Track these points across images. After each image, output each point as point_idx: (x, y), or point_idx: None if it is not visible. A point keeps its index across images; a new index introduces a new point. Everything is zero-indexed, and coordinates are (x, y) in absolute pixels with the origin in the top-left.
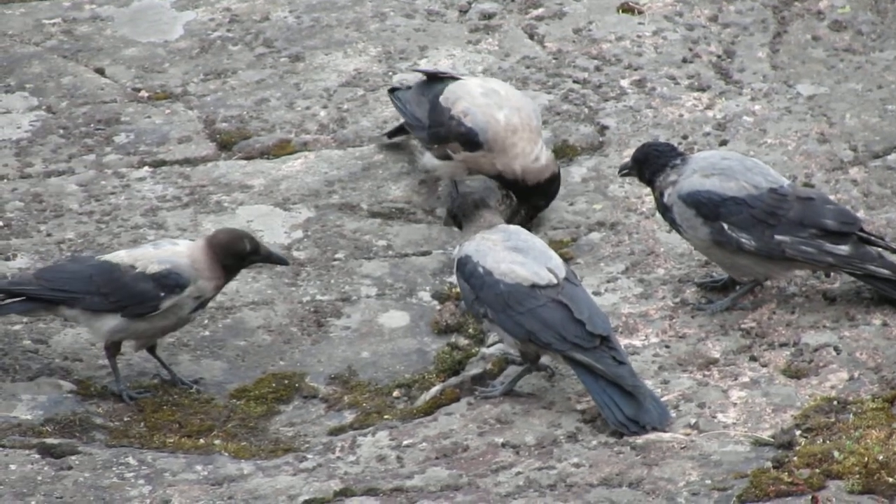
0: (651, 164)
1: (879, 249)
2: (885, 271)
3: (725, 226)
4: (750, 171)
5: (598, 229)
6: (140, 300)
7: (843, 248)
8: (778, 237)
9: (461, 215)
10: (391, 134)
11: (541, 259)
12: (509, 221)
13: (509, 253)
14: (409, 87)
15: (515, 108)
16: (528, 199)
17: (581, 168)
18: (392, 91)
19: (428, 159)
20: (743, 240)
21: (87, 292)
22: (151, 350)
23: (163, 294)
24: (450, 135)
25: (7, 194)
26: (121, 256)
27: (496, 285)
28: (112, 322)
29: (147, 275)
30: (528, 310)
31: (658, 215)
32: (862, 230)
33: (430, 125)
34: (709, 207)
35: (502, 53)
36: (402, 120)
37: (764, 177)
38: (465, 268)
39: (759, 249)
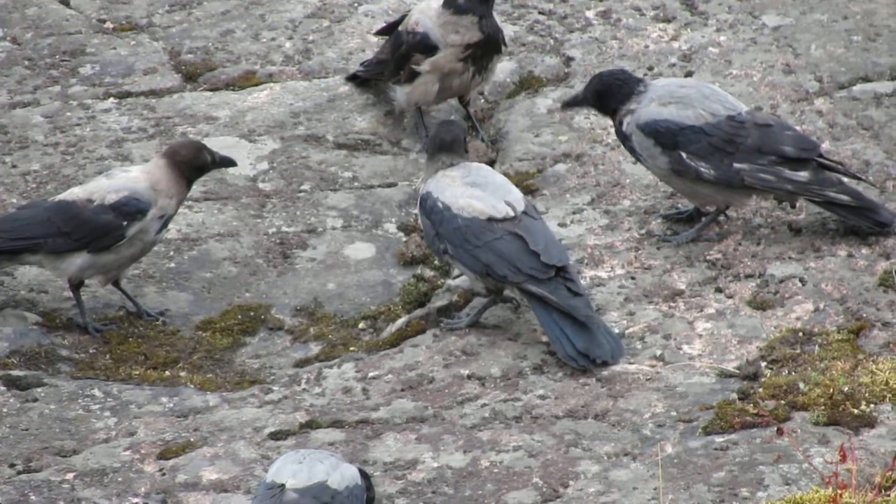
0: (615, 93)
1: (839, 176)
2: (845, 198)
3: (684, 155)
4: (707, 98)
5: (563, 161)
6: (104, 232)
7: (803, 175)
8: (736, 165)
9: (435, 146)
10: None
11: (499, 193)
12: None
13: (467, 188)
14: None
15: None
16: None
17: (546, 99)
18: (354, 77)
19: (399, 93)
20: (702, 168)
21: (49, 235)
22: (116, 283)
23: (125, 223)
24: (409, 50)
25: None
26: (75, 193)
27: (454, 220)
28: (79, 260)
29: (106, 206)
30: (485, 243)
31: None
32: (821, 156)
33: (393, 52)
34: (667, 137)
35: None
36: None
37: (722, 104)
38: (426, 204)
39: (717, 178)
